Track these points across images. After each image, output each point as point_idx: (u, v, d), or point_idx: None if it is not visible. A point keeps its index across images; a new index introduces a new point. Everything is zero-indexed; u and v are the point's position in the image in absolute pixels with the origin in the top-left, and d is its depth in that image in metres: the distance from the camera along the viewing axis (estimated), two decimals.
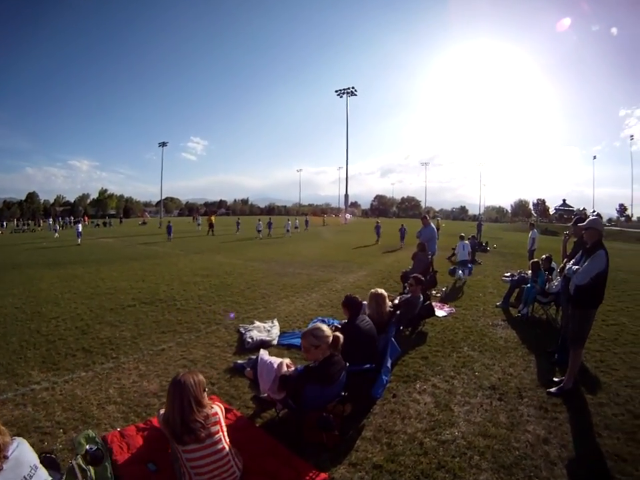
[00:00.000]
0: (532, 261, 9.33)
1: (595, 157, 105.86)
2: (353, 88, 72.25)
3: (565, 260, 6.16)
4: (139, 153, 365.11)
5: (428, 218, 12.39)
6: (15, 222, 65.80)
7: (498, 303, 9.51)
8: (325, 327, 4.02)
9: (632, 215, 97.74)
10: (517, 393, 5.01)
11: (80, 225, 29.43)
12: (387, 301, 6.00)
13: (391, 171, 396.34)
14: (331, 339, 3.98)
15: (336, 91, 73.84)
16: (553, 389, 5.07)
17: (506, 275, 13.34)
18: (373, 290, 6.06)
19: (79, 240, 27.28)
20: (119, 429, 3.97)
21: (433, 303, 9.09)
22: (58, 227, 37.60)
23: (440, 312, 8.52)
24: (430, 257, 11.06)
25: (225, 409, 3.95)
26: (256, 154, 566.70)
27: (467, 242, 15.22)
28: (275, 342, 6.68)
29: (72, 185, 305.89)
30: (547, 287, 8.49)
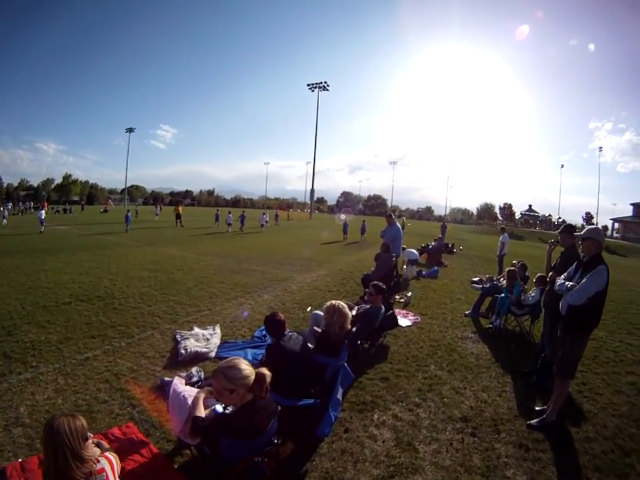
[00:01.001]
0: (508, 269, 8.47)
1: (562, 166, 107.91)
2: (325, 83, 71.11)
3: (551, 272, 5.41)
4: (107, 139, 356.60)
5: (393, 216, 11.56)
6: None
7: (467, 312, 8.75)
8: (243, 364, 2.97)
9: (597, 223, 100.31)
10: (492, 426, 4.27)
11: (43, 212, 27.01)
12: (349, 315, 4.93)
13: (359, 169, 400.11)
14: (251, 378, 2.95)
15: (308, 85, 72.47)
16: (534, 422, 4.35)
17: (474, 279, 12.78)
18: (335, 303, 4.91)
19: (42, 228, 25.02)
20: (20, 460, 3.31)
21: (397, 310, 8.31)
22: (7, 214, 34.28)
23: (404, 321, 7.72)
24: (394, 258, 10.15)
25: (141, 441, 3.60)
26: (225, 145, 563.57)
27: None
28: (213, 354, 5.79)
29: (37, 168, 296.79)
30: (522, 297, 7.74)
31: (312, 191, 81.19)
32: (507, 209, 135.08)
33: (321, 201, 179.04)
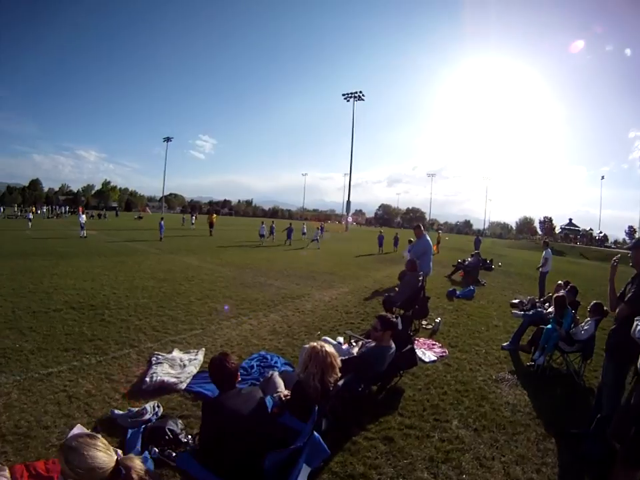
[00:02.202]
0: (556, 295, 7.00)
1: (602, 177, 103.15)
2: (360, 92, 70.27)
3: (621, 305, 4.06)
4: (147, 148, 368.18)
5: (422, 228, 9.95)
6: (16, 208, 64.25)
7: (505, 344, 7.34)
8: (97, 449, 1.90)
9: None
10: None
11: (83, 216, 27.65)
12: (337, 365, 3.66)
13: (398, 181, 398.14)
14: (103, 472, 1.85)
15: (343, 95, 71.89)
16: None
17: (514, 301, 11.39)
18: (318, 346, 3.69)
19: (84, 232, 25.39)
20: None
21: (422, 340, 7.09)
22: (31, 216, 34.48)
23: (428, 354, 6.42)
24: (421, 278, 8.73)
25: None
26: (264, 156, 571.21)
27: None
28: (183, 386, 4.87)
29: (79, 175, 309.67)
30: (572, 330, 6.35)
31: (348, 202, 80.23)
32: (547, 223, 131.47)
33: (359, 213, 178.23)
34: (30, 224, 31.77)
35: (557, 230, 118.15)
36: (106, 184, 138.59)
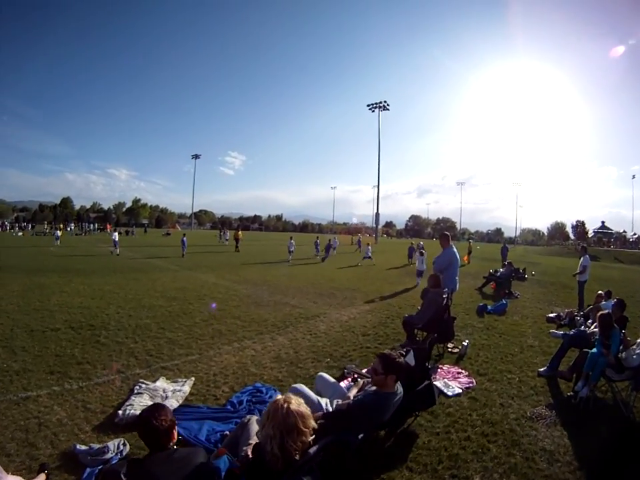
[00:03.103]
0: (601, 313, 5.86)
1: (634, 177, 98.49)
2: (385, 102, 69.50)
3: None
4: (178, 165, 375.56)
5: (449, 237, 8.42)
6: (45, 225, 65.93)
7: (541, 369, 6.32)
8: None
9: None
10: None
11: (116, 234, 27.90)
12: (307, 427, 2.56)
13: (428, 191, 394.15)
14: None
15: (368, 105, 71.19)
16: None
17: (550, 315, 10.33)
18: (278, 399, 2.63)
19: (117, 250, 25.64)
20: None
21: (446, 368, 6.19)
22: (59, 234, 34.56)
23: (451, 386, 5.51)
24: (446, 295, 7.53)
25: None
26: (293, 170, 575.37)
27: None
28: None
29: (110, 192, 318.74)
30: (622, 354, 5.36)
31: (377, 214, 79.11)
32: (580, 227, 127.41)
33: (390, 225, 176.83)
34: (58, 241, 32.23)
35: (590, 234, 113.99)
36: (136, 201, 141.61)
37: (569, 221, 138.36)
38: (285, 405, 2.46)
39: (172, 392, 5.01)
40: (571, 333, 6.90)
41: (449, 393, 5.27)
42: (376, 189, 78.13)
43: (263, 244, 44.99)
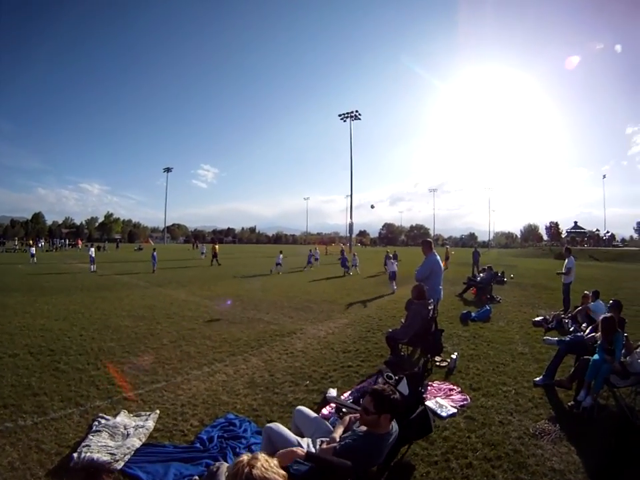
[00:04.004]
0: (603, 316, 5.50)
1: (604, 176, 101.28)
2: (356, 112, 69.79)
3: None
4: (150, 180, 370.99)
5: (431, 244, 7.98)
6: (16, 241, 63.79)
7: (537, 379, 5.90)
8: None
9: None
10: None
11: (92, 250, 26.43)
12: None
13: (400, 199, 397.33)
14: None
15: (339, 115, 71.44)
16: None
17: (537, 319, 10.03)
18: (240, 461, 1.93)
19: (93, 267, 24.36)
20: None
21: (436, 384, 5.73)
22: (34, 251, 32.73)
23: (445, 406, 5.00)
24: (432, 306, 7.04)
25: None
26: (266, 182, 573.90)
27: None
28: (119, 465, 3.76)
29: (83, 207, 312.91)
30: (626, 359, 4.96)
31: (350, 224, 79.02)
32: (554, 228, 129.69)
33: (363, 234, 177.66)
34: (34, 258, 31.05)
35: (563, 234, 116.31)
36: (108, 216, 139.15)
37: (541, 223, 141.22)
38: (246, 470, 1.86)
39: (134, 428, 4.41)
40: (567, 339, 6.47)
41: (444, 414, 4.77)
42: (348, 198, 77.99)
43: (237, 257, 44.26)
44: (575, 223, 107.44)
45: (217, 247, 34.90)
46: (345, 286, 19.16)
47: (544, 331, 9.17)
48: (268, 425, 3.55)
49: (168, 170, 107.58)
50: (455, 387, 5.66)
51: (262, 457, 1.93)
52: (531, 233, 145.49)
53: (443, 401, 5.08)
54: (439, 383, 5.89)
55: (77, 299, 13.44)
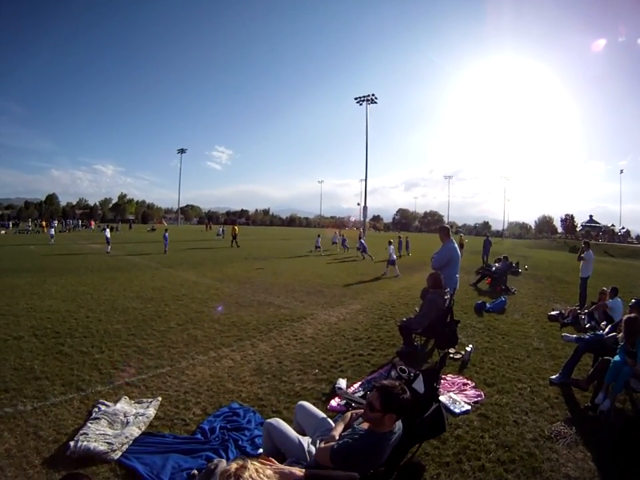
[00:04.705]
0: (627, 317, 5.16)
1: (622, 171, 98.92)
2: (373, 95, 68.36)
3: None
4: (165, 161, 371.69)
5: (449, 230, 7.61)
6: (30, 222, 64.20)
7: (553, 377, 5.66)
8: None
9: None
10: None
11: (108, 230, 26.19)
12: None
13: (415, 185, 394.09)
14: None
15: (355, 98, 69.87)
16: None
17: (552, 313, 9.74)
18: (233, 472, 1.69)
19: (109, 247, 23.97)
20: None
21: (450, 378, 5.55)
22: (53, 232, 32.83)
23: (458, 401, 4.81)
24: (448, 296, 6.79)
25: None
26: (280, 164, 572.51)
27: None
28: (116, 455, 3.63)
29: (97, 189, 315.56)
30: None
31: (364, 208, 78.04)
32: (569, 221, 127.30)
33: (377, 218, 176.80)
34: (52, 240, 30.71)
35: (578, 227, 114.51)
36: (122, 197, 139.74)
37: (556, 214, 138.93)
38: None
39: (134, 416, 4.27)
40: (586, 337, 6.22)
41: (457, 411, 4.58)
42: (363, 182, 77.23)
43: (252, 239, 44.23)
44: (590, 216, 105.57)
45: (236, 228, 35.00)
46: (357, 270, 18.97)
47: (559, 326, 8.91)
48: (268, 420, 3.39)
49: (182, 151, 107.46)
50: (469, 382, 5.46)
51: (252, 466, 1.72)
52: (545, 224, 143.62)
53: (456, 396, 4.90)
54: (452, 376, 5.69)
55: (86, 279, 13.38)
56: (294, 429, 3.33)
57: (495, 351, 6.97)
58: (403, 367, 4.06)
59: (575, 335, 7.39)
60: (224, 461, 2.91)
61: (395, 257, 18.08)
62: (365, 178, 73.30)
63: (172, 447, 3.76)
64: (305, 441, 3.15)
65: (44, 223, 56.96)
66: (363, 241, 26.64)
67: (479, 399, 4.98)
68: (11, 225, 62.10)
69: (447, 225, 7.80)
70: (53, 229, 33.59)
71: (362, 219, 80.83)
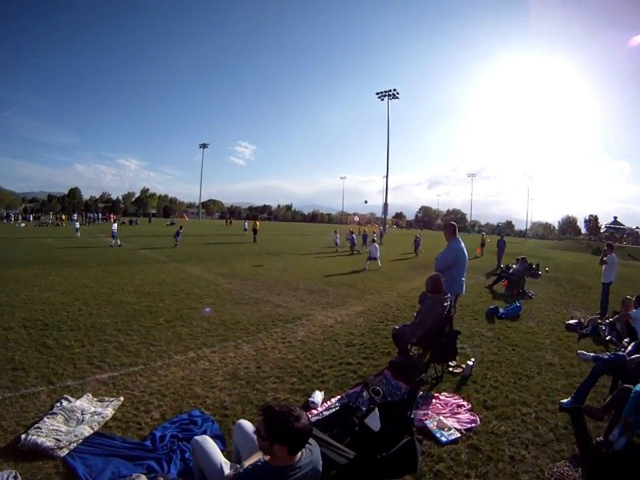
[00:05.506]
0: None
1: None
2: (394, 90, 67.70)
3: None
4: (188, 155, 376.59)
5: (455, 228, 6.87)
6: (51, 216, 65.27)
7: (564, 401, 4.95)
8: None
9: None
10: None
11: (115, 225, 26.36)
12: None
13: (438, 183, 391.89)
14: None
15: (377, 94, 69.35)
16: None
17: (571, 322, 9.03)
18: None
19: (114, 241, 24.02)
20: None
21: (443, 397, 4.97)
22: (78, 225, 33.33)
23: (447, 427, 4.16)
24: (448, 303, 5.92)
25: None
26: (303, 160, 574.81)
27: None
28: (63, 453, 3.55)
29: (120, 183, 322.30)
30: None
31: (385, 204, 77.37)
32: (593, 222, 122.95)
33: (400, 216, 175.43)
34: (78, 233, 30.88)
35: (602, 229, 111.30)
36: (145, 191, 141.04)
37: (580, 215, 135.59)
38: None
39: (90, 415, 4.15)
40: (606, 356, 5.47)
41: (444, 439, 3.94)
42: (385, 179, 76.27)
43: (271, 234, 43.99)
44: (615, 218, 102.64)
45: (258, 223, 35.20)
46: (371, 267, 18.21)
47: (577, 337, 8.15)
48: (195, 437, 2.95)
49: (204, 146, 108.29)
50: (465, 403, 4.78)
51: None
52: (569, 225, 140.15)
53: (446, 421, 4.26)
54: (446, 395, 5.03)
55: (91, 272, 13.34)
56: (232, 450, 2.84)
57: (502, 365, 6.27)
58: (377, 388, 3.51)
59: (592, 353, 6.58)
60: (143, 477, 2.53)
61: (377, 254, 18.72)
62: (386, 174, 72.72)
63: (117, 452, 3.60)
64: (230, 467, 2.64)
65: (64, 217, 57.97)
66: (354, 236, 27.06)
67: (473, 425, 4.31)
68: (31, 218, 63.35)
69: (452, 222, 7.05)
70: (77, 223, 33.87)
71: (382, 215, 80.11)
